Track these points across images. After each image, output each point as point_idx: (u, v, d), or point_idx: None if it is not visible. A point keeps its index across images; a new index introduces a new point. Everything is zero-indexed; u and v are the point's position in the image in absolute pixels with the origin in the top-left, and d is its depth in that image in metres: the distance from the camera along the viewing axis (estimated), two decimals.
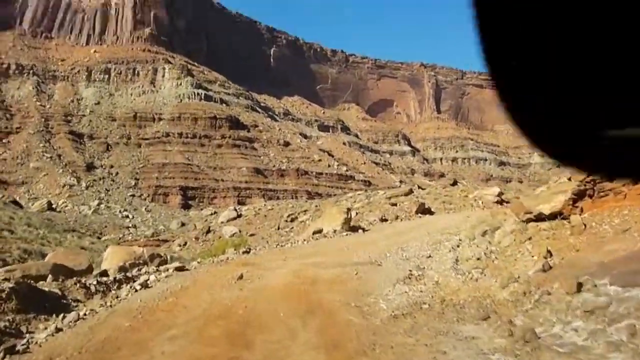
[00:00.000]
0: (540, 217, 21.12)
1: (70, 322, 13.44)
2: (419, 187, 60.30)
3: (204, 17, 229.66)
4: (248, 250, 29.20)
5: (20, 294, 13.53)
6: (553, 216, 20.76)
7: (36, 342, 12.11)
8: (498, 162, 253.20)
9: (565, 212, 20.45)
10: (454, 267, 20.05)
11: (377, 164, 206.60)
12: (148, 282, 18.57)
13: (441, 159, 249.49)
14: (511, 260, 18.66)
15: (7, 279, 14.58)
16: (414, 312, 14.25)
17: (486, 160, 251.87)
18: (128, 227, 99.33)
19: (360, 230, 36.47)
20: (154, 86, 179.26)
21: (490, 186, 72.73)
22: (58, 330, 12.84)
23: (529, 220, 21.47)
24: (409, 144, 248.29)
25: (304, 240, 33.43)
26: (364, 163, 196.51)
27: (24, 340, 12.03)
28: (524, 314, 13.06)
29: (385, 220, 44.25)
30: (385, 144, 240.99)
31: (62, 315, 13.90)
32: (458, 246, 24.31)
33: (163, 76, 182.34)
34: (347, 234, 34.50)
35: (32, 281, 15.45)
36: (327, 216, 39.03)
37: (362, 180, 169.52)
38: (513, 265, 17.91)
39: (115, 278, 18.75)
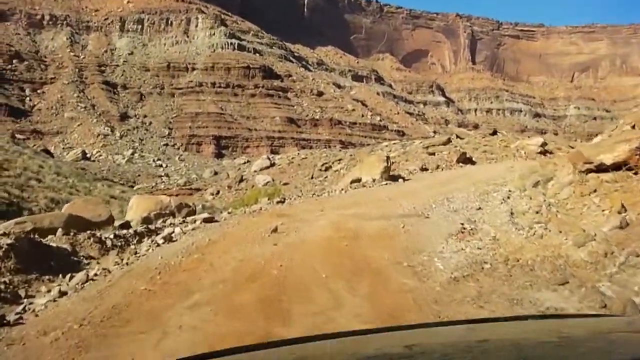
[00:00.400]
0: (601, 168, 18.70)
1: (78, 284, 11.46)
2: (457, 137, 57.85)
3: None
4: (282, 200, 27.07)
5: (20, 252, 11.62)
6: (616, 167, 18.30)
7: (33, 310, 10.11)
8: (533, 113, 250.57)
9: (632, 162, 17.92)
10: (512, 221, 17.94)
11: (410, 114, 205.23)
12: (172, 235, 16.86)
13: (475, 110, 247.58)
14: (576, 215, 16.66)
15: (6, 234, 12.60)
16: (476, 273, 12.43)
17: (521, 111, 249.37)
18: (161, 176, 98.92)
19: (400, 180, 34.13)
20: (187, 36, 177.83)
21: (528, 137, 70.36)
22: (62, 294, 10.92)
23: (588, 171, 19.10)
24: (443, 95, 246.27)
25: (342, 189, 31.24)
26: (398, 113, 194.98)
27: (20, 308, 10.09)
28: (609, 279, 11.34)
29: (426, 169, 42.07)
30: (419, 95, 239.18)
31: (69, 275, 11.91)
32: (509, 197, 22.36)
33: (196, 26, 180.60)
34: (387, 183, 32.39)
35: (37, 236, 13.39)
36: (365, 165, 36.68)
37: (395, 131, 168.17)
38: (580, 220, 15.95)
39: (136, 231, 16.58)
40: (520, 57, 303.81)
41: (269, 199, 28.52)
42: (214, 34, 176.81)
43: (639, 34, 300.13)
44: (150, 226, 18.04)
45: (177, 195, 50.68)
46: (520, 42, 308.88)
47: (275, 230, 17.27)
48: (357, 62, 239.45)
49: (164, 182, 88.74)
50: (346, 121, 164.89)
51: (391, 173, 35.52)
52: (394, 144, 73.92)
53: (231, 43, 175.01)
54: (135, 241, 15.67)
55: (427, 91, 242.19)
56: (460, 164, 43.68)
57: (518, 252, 14.16)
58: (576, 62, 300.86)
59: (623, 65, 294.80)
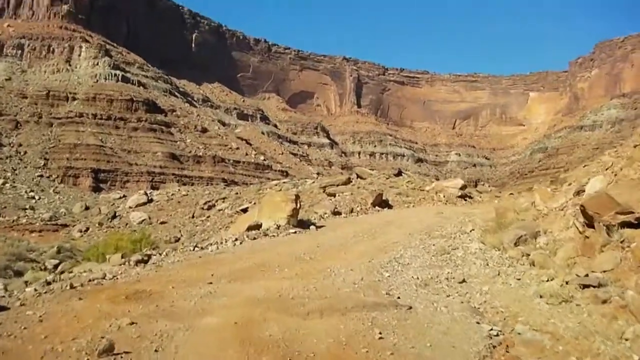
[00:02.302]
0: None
1: None
2: (358, 177, 55.37)
3: None
4: (146, 257, 19.13)
5: None
6: None
7: None
8: (416, 158, 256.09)
9: None
10: (560, 317, 12.05)
11: (295, 154, 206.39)
12: None
13: (359, 153, 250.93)
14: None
15: None
16: None
17: (404, 155, 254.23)
18: (25, 209, 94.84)
19: (312, 227, 28.45)
20: (70, 65, 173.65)
21: (450, 179, 68.87)
22: None
23: (623, 225, 13.85)
24: (328, 137, 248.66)
25: (235, 239, 23.68)
26: (282, 153, 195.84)
27: None
28: None
29: (339, 213, 37.45)
30: (304, 136, 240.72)
31: None
32: (489, 264, 17.24)
33: (79, 55, 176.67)
34: (296, 232, 26.47)
35: None
36: (267, 205, 29.83)
37: (279, 171, 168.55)
38: None
39: None
40: (405, 102, 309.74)
41: (131, 251, 22.97)
42: (97, 63, 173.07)
43: (517, 85, 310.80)
44: None
45: (40, 231, 48.23)
46: (405, 87, 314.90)
47: (107, 351, 9.51)
48: (243, 101, 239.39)
49: (27, 215, 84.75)
50: (230, 159, 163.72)
51: (300, 217, 29.62)
52: (285, 182, 72.79)
53: (115, 74, 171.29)
54: None
55: (311, 132, 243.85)
56: (377, 208, 40.71)
57: None
58: (458, 110, 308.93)
59: (503, 115, 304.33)
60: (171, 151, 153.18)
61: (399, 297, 13.68)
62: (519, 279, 15.19)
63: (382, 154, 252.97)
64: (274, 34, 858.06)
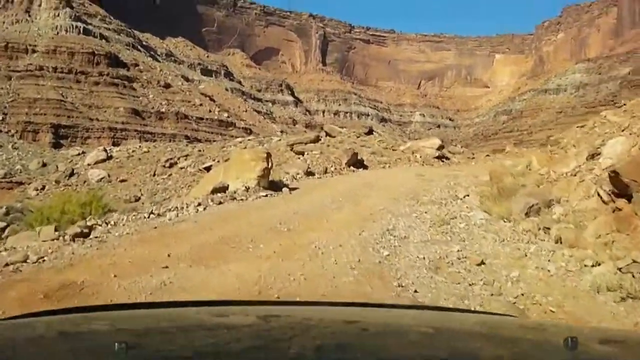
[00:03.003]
0: None
1: None
2: (327, 134, 52.98)
3: None
4: (88, 229, 15.72)
5: None
6: None
7: None
8: (380, 118, 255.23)
9: None
10: None
11: (259, 112, 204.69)
12: None
13: (324, 112, 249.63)
14: None
15: None
16: None
17: (368, 115, 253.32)
18: None
19: (284, 189, 25.25)
20: (29, 15, 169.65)
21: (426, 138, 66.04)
22: None
23: None
24: (292, 95, 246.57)
25: (198, 205, 20.52)
26: (246, 111, 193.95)
27: None
28: None
29: (312, 173, 34.78)
30: (269, 93, 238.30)
31: None
32: (505, 239, 14.87)
33: (39, 5, 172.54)
34: (267, 195, 23.32)
35: None
36: (234, 164, 26.39)
37: (242, 128, 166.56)
38: None
39: None
40: (370, 61, 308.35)
41: (80, 215, 19.89)
42: (58, 15, 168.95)
43: (483, 47, 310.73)
44: None
45: None
46: (370, 46, 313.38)
47: None
48: (207, 56, 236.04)
49: None
50: (193, 116, 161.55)
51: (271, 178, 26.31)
52: (249, 139, 70.91)
53: (76, 26, 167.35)
54: None
55: (276, 90, 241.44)
56: (352, 168, 38.42)
57: None
58: (423, 70, 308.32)
59: (468, 77, 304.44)
60: (133, 107, 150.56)
61: (416, 291, 11.38)
62: (553, 263, 12.71)
63: (347, 112, 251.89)
64: None
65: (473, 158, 50.70)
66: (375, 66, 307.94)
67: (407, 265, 12.84)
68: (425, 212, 19.11)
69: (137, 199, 45.32)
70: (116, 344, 1.67)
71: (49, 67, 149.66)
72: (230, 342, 2.71)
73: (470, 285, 11.70)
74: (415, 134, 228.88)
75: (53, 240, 14.57)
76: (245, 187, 23.72)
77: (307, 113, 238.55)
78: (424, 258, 13.40)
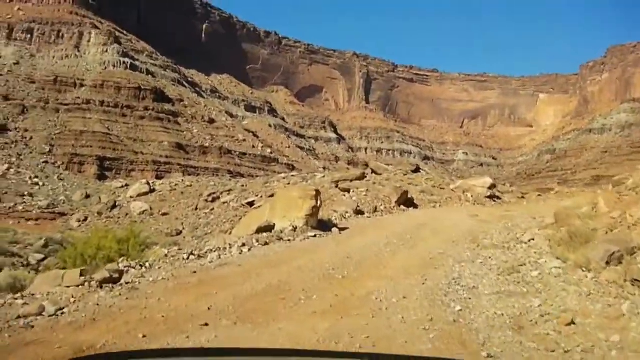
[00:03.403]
0: None
1: None
2: (373, 172, 51.52)
3: None
4: (118, 274, 14.22)
5: None
6: None
7: None
8: (423, 156, 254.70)
9: None
10: None
11: (301, 148, 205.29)
12: None
13: (366, 149, 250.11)
14: None
15: None
16: None
17: (411, 153, 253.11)
18: (22, 195, 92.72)
19: (334, 229, 24.02)
20: (79, 51, 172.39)
21: (476, 177, 64.19)
22: None
23: None
24: (335, 132, 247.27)
25: (242, 245, 19.29)
26: (289, 147, 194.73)
27: None
28: None
29: (361, 212, 33.02)
30: (312, 130, 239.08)
31: None
32: (606, 299, 12.39)
33: (89, 41, 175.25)
34: (316, 235, 22.10)
35: None
36: (281, 202, 25.36)
37: (285, 164, 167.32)
38: None
39: None
40: (413, 100, 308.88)
41: (118, 253, 18.59)
42: (106, 50, 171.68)
43: (527, 86, 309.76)
44: None
45: (36, 220, 46.44)
46: (414, 85, 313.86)
47: None
48: (252, 93, 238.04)
49: (25, 202, 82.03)
50: (236, 151, 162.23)
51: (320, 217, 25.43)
52: (293, 175, 70.64)
53: (124, 62, 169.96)
54: None
55: (319, 127, 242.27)
56: (402, 207, 37.10)
57: None
58: (467, 109, 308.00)
59: (511, 116, 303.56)
60: (177, 141, 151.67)
61: None
62: None
63: (389, 150, 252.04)
64: (284, 28, 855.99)
65: (523, 197, 49.76)
66: (419, 105, 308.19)
67: (486, 325, 11.12)
68: (490, 258, 17.82)
69: (179, 233, 45.32)
70: None
71: (96, 101, 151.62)
72: None
73: (566, 352, 9.74)
74: (459, 172, 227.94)
75: (78, 286, 13.05)
76: (293, 226, 22.85)
77: (349, 150, 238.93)
78: (502, 315, 11.73)
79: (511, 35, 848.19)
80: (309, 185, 46.59)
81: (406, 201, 38.35)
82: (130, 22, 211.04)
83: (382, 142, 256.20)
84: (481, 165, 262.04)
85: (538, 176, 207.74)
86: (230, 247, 19.04)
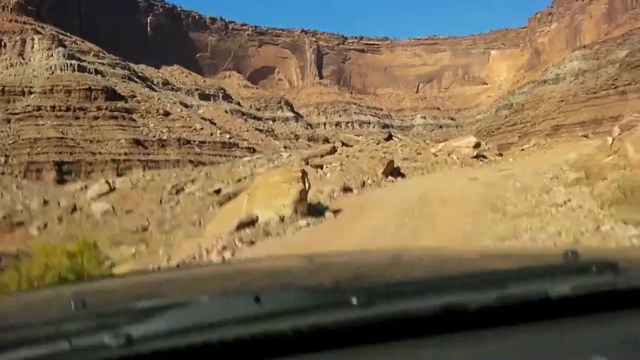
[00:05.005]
0: None
1: None
2: (344, 144, 49.08)
3: None
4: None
5: None
6: None
7: None
8: (382, 124, 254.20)
9: None
10: None
11: (260, 130, 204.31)
12: None
13: (325, 124, 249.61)
14: None
15: None
16: None
17: (369, 123, 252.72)
18: None
19: (327, 214, 21.04)
20: (23, 58, 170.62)
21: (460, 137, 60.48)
22: None
23: None
24: (292, 110, 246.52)
25: (223, 248, 16.73)
26: (247, 130, 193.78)
27: None
28: None
29: (349, 189, 28.94)
30: (268, 111, 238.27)
31: None
32: None
33: (32, 47, 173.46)
34: (307, 224, 19.30)
35: None
36: (262, 189, 21.81)
37: (246, 148, 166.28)
38: None
39: None
40: (367, 70, 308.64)
41: (70, 270, 13.90)
42: (51, 55, 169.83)
43: (478, 45, 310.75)
44: None
45: None
46: (365, 55, 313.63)
47: None
48: (204, 81, 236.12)
49: None
50: (195, 140, 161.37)
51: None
52: (258, 157, 69.14)
53: (71, 64, 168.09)
54: None
55: (275, 107, 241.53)
56: (390, 178, 33.28)
57: None
58: (421, 74, 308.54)
59: (465, 75, 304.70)
60: (134, 137, 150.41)
61: None
62: None
63: (348, 122, 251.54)
64: (229, 13, 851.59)
65: (500, 155, 48.56)
66: (372, 74, 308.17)
67: None
68: (530, 229, 14.84)
69: (145, 229, 44.68)
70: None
71: (47, 107, 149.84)
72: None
73: None
74: (419, 137, 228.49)
75: None
76: (280, 216, 19.55)
77: (308, 127, 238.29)
78: None
79: None
80: (276, 165, 45.29)
81: (392, 171, 35.03)
82: (72, 24, 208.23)
83: (340, 116, 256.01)
84: (440, 127, 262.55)
85: (498, 132, 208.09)
86: (208, 253, 16.33)
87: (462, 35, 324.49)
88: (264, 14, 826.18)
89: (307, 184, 21.33)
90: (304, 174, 22.02)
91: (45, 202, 67.56)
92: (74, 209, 55.19)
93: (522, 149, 50.31)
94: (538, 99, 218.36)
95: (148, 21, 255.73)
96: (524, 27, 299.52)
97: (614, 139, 23.74)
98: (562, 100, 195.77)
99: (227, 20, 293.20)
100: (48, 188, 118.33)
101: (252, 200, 21.37)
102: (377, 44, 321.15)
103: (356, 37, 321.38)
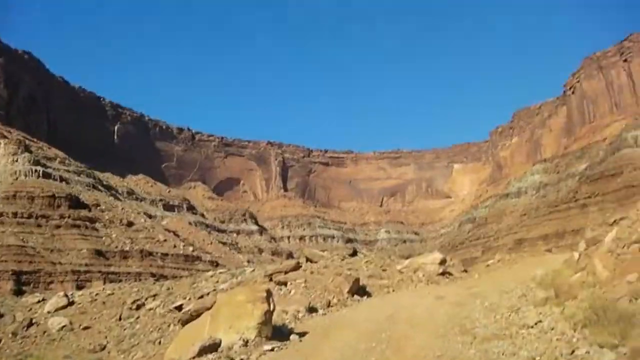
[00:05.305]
0: None
1: None
2: (308, 260, 48.26)
3: (44, 90, 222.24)
4: None
5: None
6: None
7: None
8: (345, 238, 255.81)
9: None
10: None
11: (224, 243, 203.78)
12: None
13: (289, 237, 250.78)
14: None
15: None
16: None
17: (334, 237, 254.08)
18: None
19: (294, 336, 20.43)
20: None
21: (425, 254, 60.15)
22: None
23: None
24: (256, 223, 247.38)
25: None
26: (211, 243, 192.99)
27: None
28: None
29: (314, 309, 28.62)
30: (232, 224, 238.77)
31: None
32: None
33: None
34: (272, 349, 18.55)
35: None
36: (225, 309, 20.81)
37: (209, 261, 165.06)
38: None
39: None
40: (331, 183, 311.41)
41: None
42: (16, 160, 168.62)
43: (441, 159, 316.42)
44: None
45: None
46: (330, 168, 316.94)
47: None
48: (169, 191, 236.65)
49: None
50: (158, 252, 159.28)
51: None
52: (221, 272, 68.41)
53: (35, 170, 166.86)
54: None
55: (239, 220, 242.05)
56: (356, 297, 32.46)
57: None
58: (384, 187, 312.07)
59: (428, 189, 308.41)
60: (96, 247, 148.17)
61: None
62: None
63: (312, 236, 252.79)
64: (196, 123, 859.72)
65: (466, 271, 48.35)
66: (337, 187, 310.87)
67: None
68: (503, 354, 15.00)
69: (103, 348, 43.41)
70: None
71: (9, 213, 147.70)
72: None
73: None
74: (384, 252, 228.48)
75: None
76: (244, 340, 19.00)
77: (272, 240, 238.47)
78: None
79: (422, 110, 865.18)
80: (239, 281, 44.58)
81: (358, 289, 34.35)
82: (40, 129, 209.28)
83: (304, 229, 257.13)
84: (404, 242, 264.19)
85: (461, 246, 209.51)
86: None
87: (426, 149, 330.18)
88: (230, 125, 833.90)
89: (272, 305, 20.68)
90: (269, 293, 21.40)
91: (1, 316, 65.72)
92: (30, 323, 53.62)
93: (488, 265, 50.36)
94: (500, 213, 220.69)
95: (116, 129, 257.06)
96: (486, 141, 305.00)
97: (580, 254, 23.67)
98: (525, 214, 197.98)
99: (194, 131, 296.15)
100: (4, 300, 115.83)
101: (215, 320, 20.70)
102: (342, 157, 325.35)
103: (321, 150, 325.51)
